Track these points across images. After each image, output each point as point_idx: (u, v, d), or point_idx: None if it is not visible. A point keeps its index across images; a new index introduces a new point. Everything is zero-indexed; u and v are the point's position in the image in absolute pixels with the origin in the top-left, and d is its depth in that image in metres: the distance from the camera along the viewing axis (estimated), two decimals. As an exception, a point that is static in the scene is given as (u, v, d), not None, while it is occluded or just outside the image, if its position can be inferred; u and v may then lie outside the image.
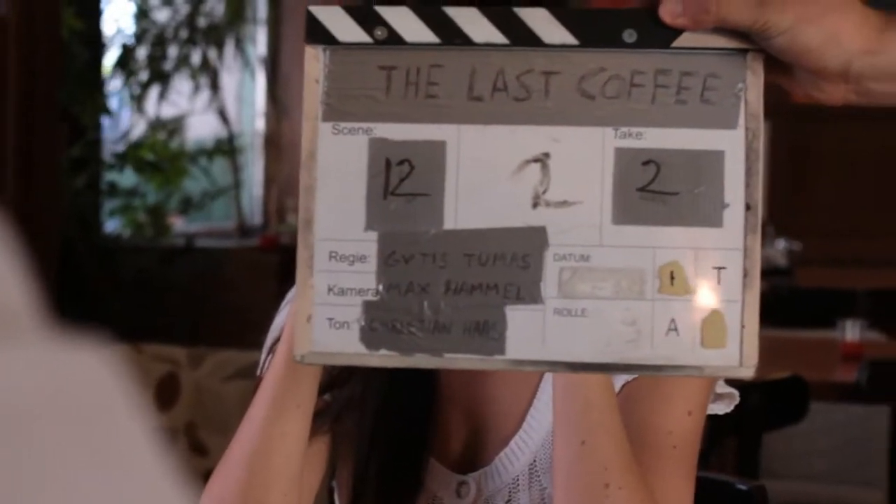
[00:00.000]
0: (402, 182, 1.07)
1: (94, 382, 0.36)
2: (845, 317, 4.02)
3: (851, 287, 5.37)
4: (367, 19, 1.08)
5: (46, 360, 0.35)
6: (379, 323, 1.06)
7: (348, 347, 1.07)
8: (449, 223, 1.06)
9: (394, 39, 1.07)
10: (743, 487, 1.81)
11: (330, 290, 1.07)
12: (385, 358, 1.06)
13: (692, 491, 1.37)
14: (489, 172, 1.06)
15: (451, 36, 1.07)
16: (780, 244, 6.27)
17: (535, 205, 1.06)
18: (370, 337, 1.06)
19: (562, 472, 1.30)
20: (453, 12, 1.07)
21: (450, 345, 1.06)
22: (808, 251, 6.35)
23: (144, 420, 0.37)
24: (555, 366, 1.07)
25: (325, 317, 1.08)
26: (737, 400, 1.48)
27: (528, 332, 1.05)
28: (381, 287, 1.06)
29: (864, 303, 5.03)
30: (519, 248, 1.06)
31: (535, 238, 1.06)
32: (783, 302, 5.03)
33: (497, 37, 1.06)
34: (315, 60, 1.11)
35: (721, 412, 1.48)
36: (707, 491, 1.78)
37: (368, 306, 1.06)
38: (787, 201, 6.81)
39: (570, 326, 1.05)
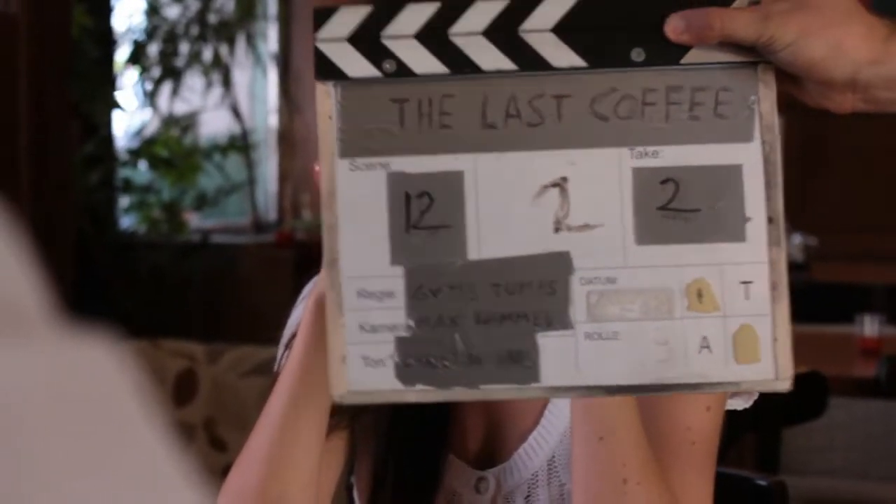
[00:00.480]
0: (423, 215, 1.07)
1: (102, 377, 0.35)
2: (863, 312, 4.01)
3: (869, 282, 5.36)
4: (376, 52, 1.07)
5: (54, 354, 0.35)
6: (413, 358, 1.06)
7: (385, 385, 1.07)
8: (473, 254, 1.06)
9: (403, 72, 1.07)
10: (762, 483, 1.80)
11: (361, 328, 1.08)
12: (422, 393, 1.07)
13: (711, 487, 1.37)
14: (509, 200, 1.06)
15: (460, 65, 1.06)
16: (796, 239, 6.25)
17: (556, 230, 1.06)
18: (405, 373, 1.06)
19: (580, 469, 1.30)
20: (461, 41, 1.06)
21: (485, 376, 1.06)
22: (825, 246, 6.33)
23: (154, 414, 0.36)
24: (591, 390, 1.07)
25: (359, 355, 1.08)
26: (755, 395, 1.47)
27: (561, 358, 1.05)
28: (411, 322, 1.07)
29: (882, 297, 5.01)
30: (544, 275, 1.06)
31: (560, 263, 1.05)
32: (800, 297, 4.99)
33: (506, 63, 1.06)
34: (326, 97, 1.11)
35: (740, 407, 1.47)
36: (726, 486, 1.77)
37: (401, 342, 1.07)
38: (802, 196, 6.79)
39: (603, 350, 1.05)
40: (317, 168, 1.38)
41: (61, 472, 0.32)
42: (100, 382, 0.35)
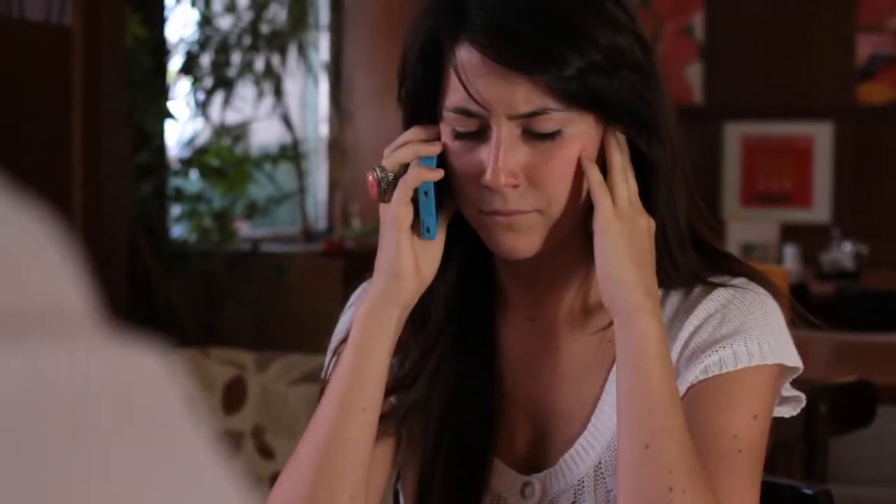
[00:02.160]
0: None
1: (150, 383, 0.36)
2: (913, 320, 3.98)
3: (919, 290, 5.32)
4: None
5: (104, 359, 0.35)
6: None
7: None
8: None
9: None
10: (809, 492, 1.80)
11: None
12: None
13: (757, 496, 1.36)
14: None
15: None
16: (847, 247, 6.21)
17: None
18: None
19: (626, 476, 1.30)
20: None
21: None
22: (875, 254, 6.29)
23: (201, 421, 0.37)
24: None
25: None
26: (803, 403, 1.47)
27: None
28: None
29: (932, 306, 4.97)
30: None
31: None
32: (850, 305, 4.99)
33: None
34: None
35: (787, 415, 1.47)
36: (773, 495, 1.77)
37: None
38: (852, 203, 6.75)
39: None
40: (370, 178, 1.40)
41: (110, 474, 0.33)
42: (148, 388, 0.36)
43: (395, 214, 1.39)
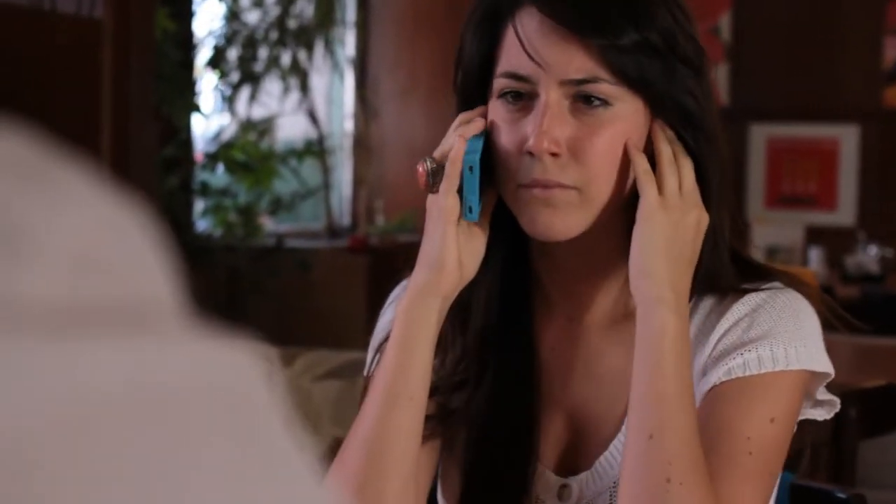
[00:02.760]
0: None
1: (242, 379, 0.36)
2: (941, 324, 3.97)
3: (946, 294, 5.30)
4: None
5: (194, 354, 0.36)
6: None
7: None
8: None
9: None
10: (842, 496, 1.79)
11: None
12: None
13: (762, 499, 1.35)
14: None
15: None
16: (872, 251, 6.20)
17: None
18: None
19: (628, 464, 1.31)
20: None
21: None
22: (902, 258, 6.27)
23: (286, 415, 0.37)
24: None
25: None
26: (837, 407, 1.47)
27: None
28: None
29: (959, 310, 4.95)
30: None
31: None
32: (876, 309, 4.98)
33: None
34: None
35: (821, 418, 1.46)
36: (805, 499, 1.76)
37: None
38: (878, 206, 6.73)
39: None
40: (419, 168, 1.40)
41: (209, 460, 0.34)
42: (241, 383, 0.36)
43: (443, 206, 1.39)
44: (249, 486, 0.34)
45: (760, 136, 6.97)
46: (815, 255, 6.20)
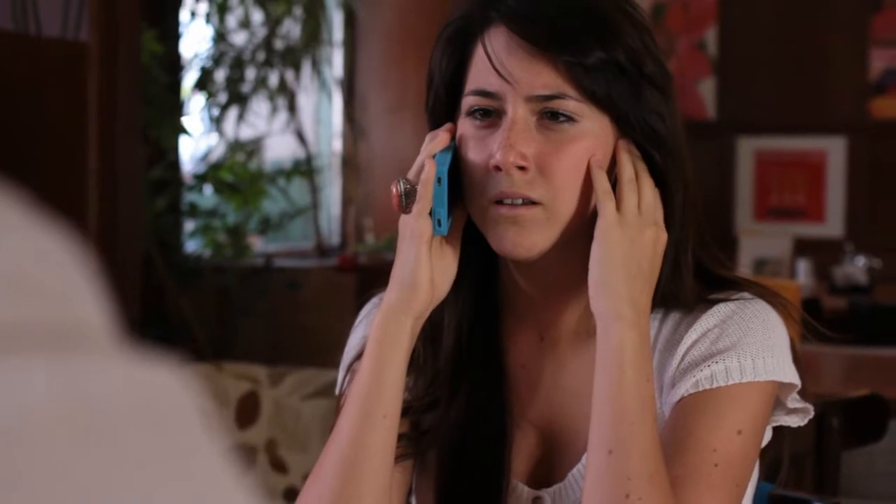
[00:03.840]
0: None
1: (169, 397, 0.37)
2: (926, 334, 3.98)
3: (932, 304, 5.31)
4: None
5: (123, 372, 0.36)
6: None
7: None
8: None
9: None
10: (821, 505, 1.80)
11: None
12: None
13: None
14: None
15: None
16: (860, 261, 6.21)
17: None
18: None
19: (589, 480, 1.32)
20: None
21: None
22: (888, 268, 6.29)
23: (218, 436, 0.38)
24: None
25: None
26: (811, 414, 1.48)
27: None
28: None
29: (946, 320, 4.97)
30: None
31: None
32: (862, 319, 4.99)
33: None
34: None
35: (794, 425, 1.47)
36: (785, 509, 1.77)
37: None
38: (865, 218, 6.75)
39: None
40: (394, 190, 1.42)
41: (130, 488, 0.35)
42: (166, 403, 0.37)
43: (414, 226, 1.41)
44: (172, 496, 0.35)
45: (748, 149, 6.98)
46: (803, 267, 6.21)
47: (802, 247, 6.44)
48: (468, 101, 1.41)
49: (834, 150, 6.83)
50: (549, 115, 1.37)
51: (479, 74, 1.40)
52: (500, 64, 1.37)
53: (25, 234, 0.37)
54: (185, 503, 0.35)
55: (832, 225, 6.80)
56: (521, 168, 1.35)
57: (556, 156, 1.36)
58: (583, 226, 1.39)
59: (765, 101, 6.96)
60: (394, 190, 1.42)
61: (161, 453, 0.36)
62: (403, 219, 1.43)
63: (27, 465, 0.33)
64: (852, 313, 5.16)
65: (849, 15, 6.82)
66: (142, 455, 0.35)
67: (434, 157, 1.42)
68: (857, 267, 6.18)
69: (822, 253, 6.47)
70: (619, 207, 1.37)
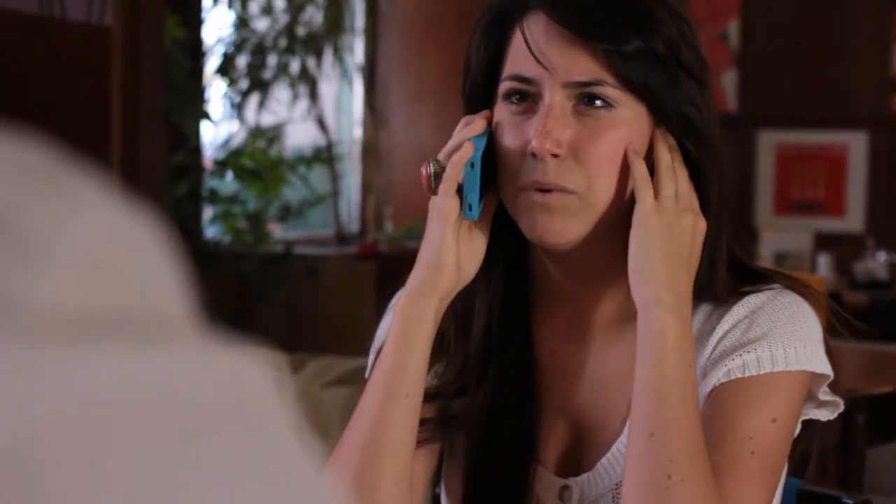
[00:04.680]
0: None
1: (254, 386, 0.37)
2: (949, 330, 3.97)
3: (954, 300, 5.30)
4: None
5: (207, 362, 0.36)
6: None
7: None
8: None
9: None
10: (849, 502, 1.80)
11: None
12: None
13: (766, 498, 1.36)
14: None
15: None
16: (881, 257, 6.19)
17: None
18: None
19: (630, 462, 1.32)
20: None
21: None
22: (910, 264, 6.26)
23: (299, 427, 0.38)
24: None
25: None
26: (841, 408, 1.47)
27: None
28: None
29: (968, 316, 4.95)
30: None
31: None
32: (884, 315, 4.97)
33: None
34: None
35: (824, 419, 1.47)
36: (813, 504, 1.76)
37: None
38: (887, 213, 6.73)
39: None
40: (423, 171, 1.42)
41: (224, 469, 0.34)
42: (249, 393, 0.36)
43: (441, 206, 1.41)
44: (259, 492, 0.35)
45: (769, 142, 6.97)
46: (824, 262, 6.20)
47: (823, 241, 6.42)
48: (505, 86, 1.41)
49: (855, 145, 6.81)
50: (587, 101, 1.36)
51: (517, 60, 1.40)
52: (538, 50, 1.37)
53: (107, 216, 0.36)
54: (269, 493, 0.35)
55: (853, 219, 6.78)
56: (556, 156, 1.35)
57: (592, 142, 1.36)
58: (617, 214, 1.38)
59: (786, 95, 6.94)
60: (423, 171, 1.42)
61: (246, 447, 0.35)
62: (432, 199, 1.43)
63: (107, 457, 0.32)
64: (873, 309, 5.15)
65: (871, 9, 6.79)
66: (226, 451, 0.34)
67: (470, 141, 1.41)
68: (877, 262, 6.16)
69: (842, 248, 6.45)
70: (656, 195, 1.36)
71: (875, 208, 6.75)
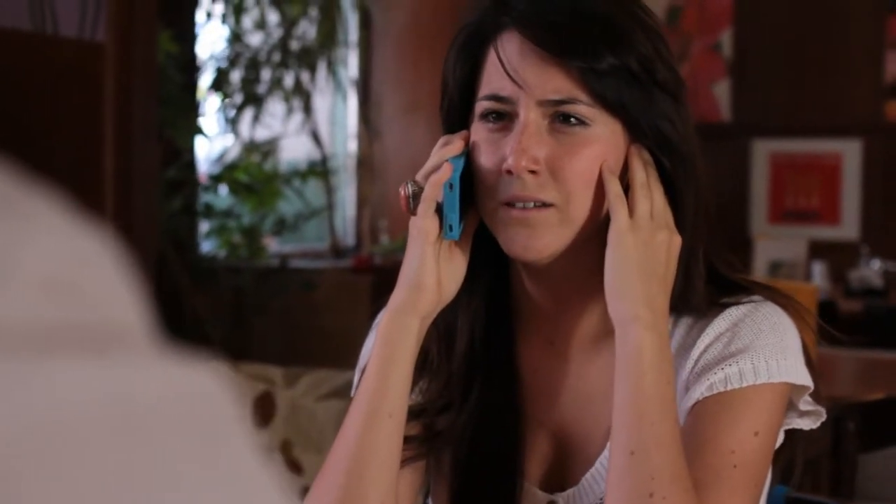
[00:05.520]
0: None
1: (208, 396, 0.37)
2: (942, 338, 3.97)
3: (949, 308, 5.30)
4: None
5: (162, 373, 0.37)
6: None
7: None
8: None
9: None
10: (838, 508, 1.80)
11: None
12: None
13: None
14: None
15: None
16: (876, 265, 6.20)
17: None
18: None
19: (612, 480, 1.32)
20: None
21: None
22: (904, 271, 6.27)
23: (252, 434, 0.38)
24: None
25: None
26: (823, 417, 1.48)
27: None
28: None
29: (962, 324, 4.95)
30: None
31: None
32: (878, 322, 4.98)
33: None
34: None
35: (807, 428, 1.48)
36: (802, 511, 1.77)
37: None
38: (881, 221, 6.73)
39: None
40: (402, 192, 1.43)
41: (175, 481, 0.35)
42: (206, 399, 0.37)
43: (420, 226, 1.41)
44: (212, 499, 0.35)
45: (763, 151, 6.97)
46: (819, 270, 6.20)
47: (817, 250, 6.43)
48: (482, 106, 1.42)
49: (849, 153, 6.82)
50: (561, 119, 1.37)
51: (493, 79, 1.41)
52: (512, 69, 1.38)
53: (63, 235, 0.37)
54: (224, 501, 0.36)
55: (847, 228, 6.79)
56: (533, 172, 1.36)
57: (567, 159, 1.37)
58: (594, 230, 1.39)
59: (780, 104, 6.95)
60: (402, 192, 1.43)
61: (199, 455, 0.36)
62: (412, 220, 1.43)
63: (64, 466, 0.33)
64: (868, 316, 5.15)
65: (865, 17, 6.80)
66: (180, 457, 0.35)
67: (449, 162, 1.42)
68: (872, 270, 6.17)
69: (837, 256, 6.46)
70: (631, 213, 1.37)
71: (870, 216, 6.76)
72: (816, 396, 1.45)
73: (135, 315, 0.39)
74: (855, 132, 6.79)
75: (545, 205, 1.37)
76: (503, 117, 1.40)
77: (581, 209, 1.38)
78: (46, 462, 0.33)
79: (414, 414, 1.46)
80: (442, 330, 1.48)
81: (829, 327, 1.52)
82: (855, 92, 6.81)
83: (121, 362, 0.35)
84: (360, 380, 1.49)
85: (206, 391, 0.37)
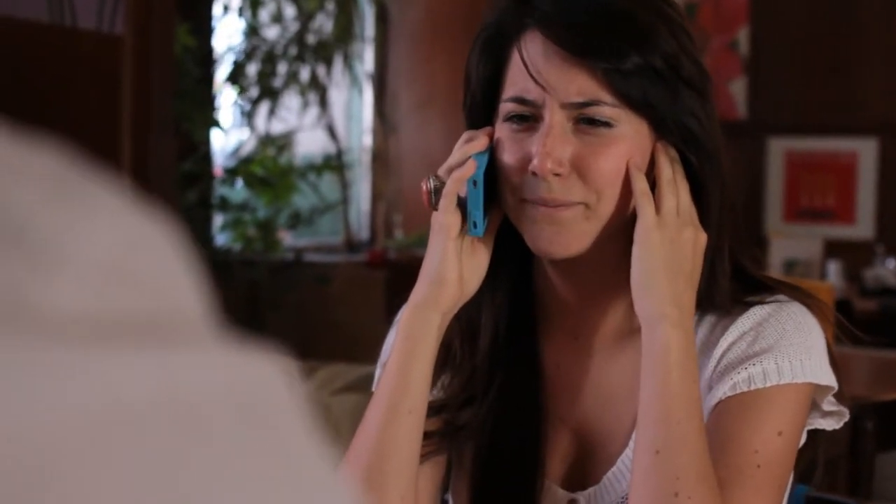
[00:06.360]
0: None
1: (269, 390, 0.37)
2: (958, 337, 3.96)
3: (965, 307, 5.29)
4: None
5: (222, 364, 0.36)
6: None
7: None
8: None
9: None
10: (857, 508, 1.80)
11: None
12: None
13: None
14: None
15: None
16: (891, 263, 6.19)
17: None
18: None
19: (636, 480, 1.32)
20: None
21: None
22: (920, 271, 6.25)
23: (316, 429, 0.38)
24: None
25: None
26: (846, 417, 1.47)
27: None
28: None
29: (978, 324, 4.94)
30: None
31: None
32: (893, 322, 4.96)
33: None
34: None
35: (829, 428, 1.47)
36: (821, 511, 1.77)
37: None
38: (897, 220, 6.72)
39: None
40: (423, 187, 1.42)
41: (235, 470, 0.34)
42: (266, 395, 0.37)
43: (442, 222, 1.41)
44: (273, 494, 0.35)
45: (779, 149, 6.96)
46: (834, 269, 6.19)
47: (832, 248, 6.42)
48: (506, 108, 1.41)
49: (865, 152, 6.80)
50: (586, 120, 1.36)
51: (517, 81, 1.40)
52: (536, 72, 1.37)
53: (122, 220, 0.37)
54: (284, 496, 0.35)
55: (863, 227, 6.77)
56: (558, 175, 1.35)
57: (593, 158, 1.36)
58: (621, 227, 1.39)
59: (796, 102, 6.93)
60: (423, 187, 1.43)
61: (259, 449, 0.35)
62: (434, 215, 1.43)
63: (117, 459, 0.33)
64: (883, 315, 5.14)
65: (881, 16, 6.79)
66: (239, 450, 0.35)
67: (473, 158, 1.42)
68: (887, 269, 6.16)
69: (852, 255, 6.45)
70: (658, 209, 1.36)
71: (885, 215, 6.74)
72: (840, 397, 1.44)
73: (195, 303, 0.38)
74: (870, 131, 6.77)
75: (574, 203, 1.36)
76: (527, 119, 1.39)
77: (608, 206, 1.37)
78: (89, 464, 0.32)
79: (435, 410, 1.45)
80: (465, 325, 1.48)
81: (851, 327, 1.51)
82: (871, 91, 6.79)
83: (179, 353, 0.35)
84: (381, 374, 1.49)
85: (266, 383, 0.37)
